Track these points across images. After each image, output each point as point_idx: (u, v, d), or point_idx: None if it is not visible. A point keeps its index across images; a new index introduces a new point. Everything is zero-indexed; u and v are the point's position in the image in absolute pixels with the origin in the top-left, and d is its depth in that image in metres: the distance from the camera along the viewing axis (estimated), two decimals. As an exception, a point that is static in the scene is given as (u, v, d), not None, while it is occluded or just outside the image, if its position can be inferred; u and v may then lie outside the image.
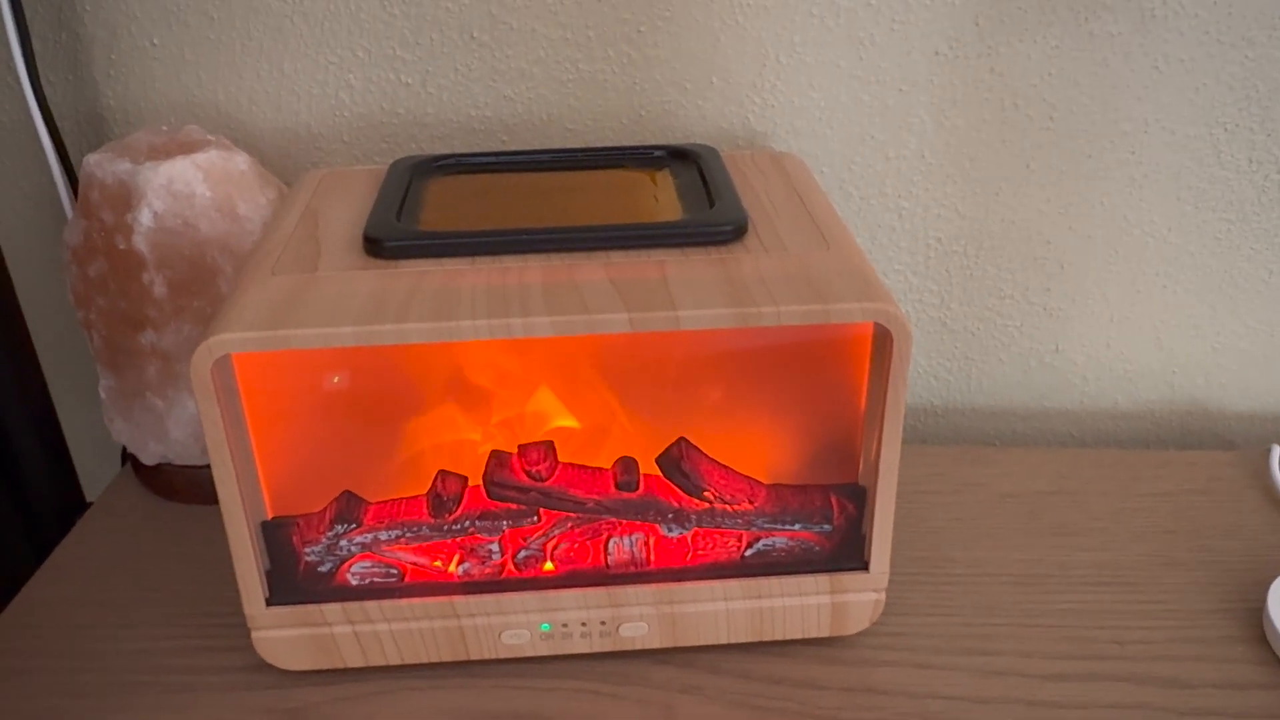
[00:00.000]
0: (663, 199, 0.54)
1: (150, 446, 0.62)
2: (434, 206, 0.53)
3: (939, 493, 0.65)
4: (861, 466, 0.50)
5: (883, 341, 0.46)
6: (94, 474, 0.71)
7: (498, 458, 0.49)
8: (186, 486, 0.64)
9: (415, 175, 0.56)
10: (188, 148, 0.59)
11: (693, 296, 0.44)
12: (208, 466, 0.46)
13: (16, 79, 0.62)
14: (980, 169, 0.66)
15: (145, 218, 0.56)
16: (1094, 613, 0.55)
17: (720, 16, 0.63)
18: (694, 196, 0.53)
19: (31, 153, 0.67)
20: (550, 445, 0.49)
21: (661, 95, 0.65)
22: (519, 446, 0.49)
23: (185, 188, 0.56)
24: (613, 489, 0.49)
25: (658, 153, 0.59)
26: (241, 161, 0.59)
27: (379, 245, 0.48)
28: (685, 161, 0.58)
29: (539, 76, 0.65)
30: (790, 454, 0.51)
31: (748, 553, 0.51)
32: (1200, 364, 0.72)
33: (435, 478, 0.49)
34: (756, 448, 0.51)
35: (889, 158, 0.66)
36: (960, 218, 0.68)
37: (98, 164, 0.57)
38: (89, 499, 0.68)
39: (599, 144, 0.66)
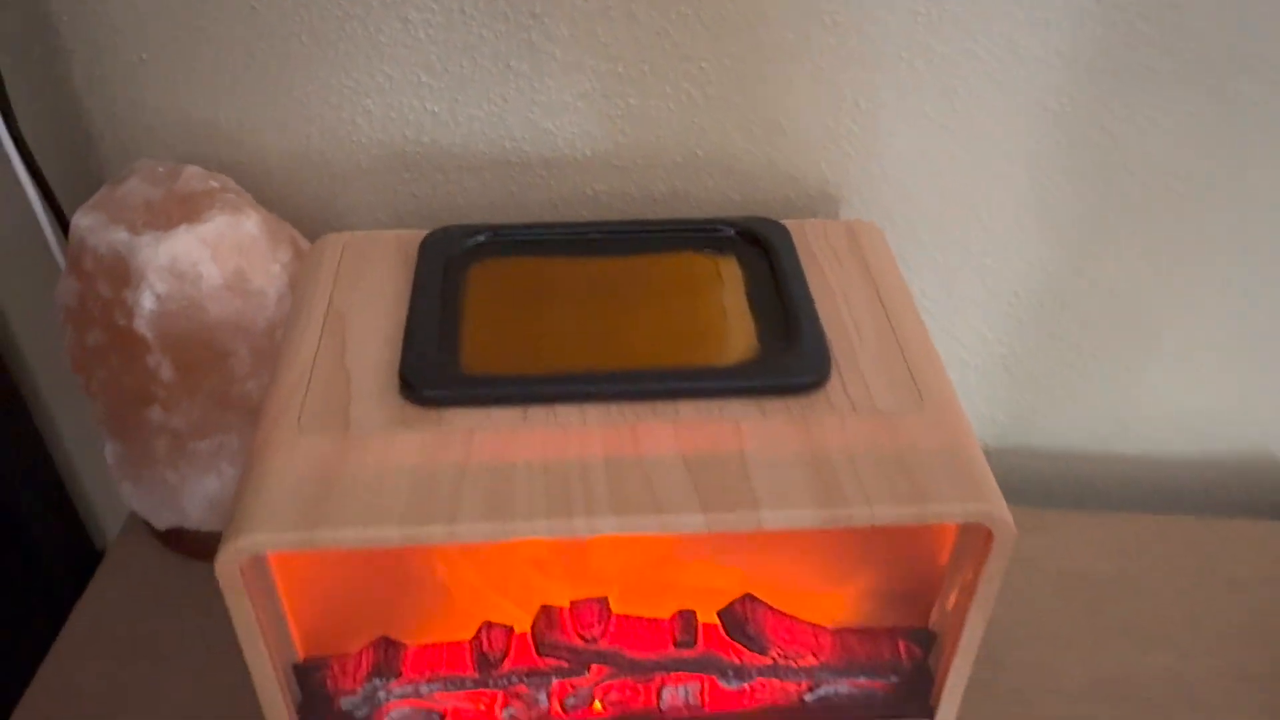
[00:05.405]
0: (731, 307, 0.48)
1: (163, 515, 0.58)
2: (476, 319, 0.47)
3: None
4: (935, 613, 0.47)
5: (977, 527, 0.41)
6: (103, 506, 0.68)
7: (548, 615, 0.45)
8: (204, 549, 0.60)
9: (451, 264, 0.49)
10: (189, 206, 0.52)
11: (776, 489, 0.39)
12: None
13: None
14: (1081, 232, 0.59)
15: (147, 300, 0.50)
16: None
17: (795, 59, 0.54)
18: (766, 310, 0.47)
19: (6, 184, 0.58)
20: (605, 603, 0.45)
21: (724, 138, 0.57)
22: (571, 604, 0.45)
23: (190, 268, 0.50)
24: (670, 646, 0.46)
25: (723, 230, 0.52)
26: (251, 225, 0.52)
27: (418, 393, 0.42)
28: (754, 247, 0.51)
29: (584, 110, 0.57)
30: (858, 595, 0.47)
31: (809, 698, 0.48)
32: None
33: (480, 631, 0.46)
34: (822, 591, 0.47)
35: (979, 217, 0.59)
36: (1048, 276, 0.62)
37: (90, 230, 0.51)
38: (99, 543, 0.64)
39: (652, 196, 0.59)
